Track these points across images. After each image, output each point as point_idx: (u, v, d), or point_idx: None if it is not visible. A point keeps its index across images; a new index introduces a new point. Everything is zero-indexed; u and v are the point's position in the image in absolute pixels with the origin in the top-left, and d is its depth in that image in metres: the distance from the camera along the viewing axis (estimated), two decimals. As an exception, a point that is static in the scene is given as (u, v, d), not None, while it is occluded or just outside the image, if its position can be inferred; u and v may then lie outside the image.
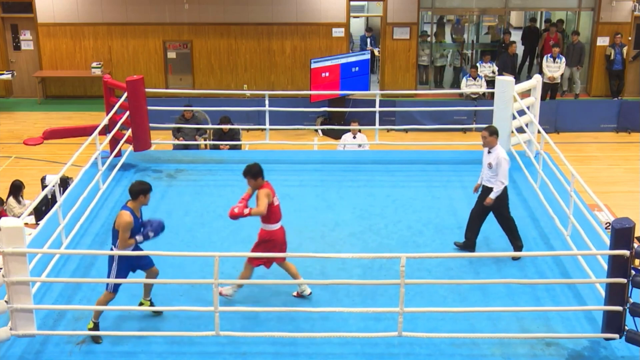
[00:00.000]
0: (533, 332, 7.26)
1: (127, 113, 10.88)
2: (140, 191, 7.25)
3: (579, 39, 20.10)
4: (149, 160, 11.37)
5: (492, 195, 8.54)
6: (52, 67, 20.64)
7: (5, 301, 6.84)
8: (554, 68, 18.92)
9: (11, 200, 11.81)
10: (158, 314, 7.53)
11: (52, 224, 8.49)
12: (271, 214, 7.63)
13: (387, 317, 7.20)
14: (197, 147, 14.02)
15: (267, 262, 7.72)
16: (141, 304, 7.55)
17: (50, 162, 15.47)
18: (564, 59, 18.99)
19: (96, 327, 7.21)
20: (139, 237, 7.20)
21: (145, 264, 7.41)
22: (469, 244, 8.84)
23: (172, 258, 8.33)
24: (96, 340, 7.18)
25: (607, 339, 7.06)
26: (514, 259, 8.57)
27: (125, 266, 7.23)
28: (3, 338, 6.92)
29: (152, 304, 7.57)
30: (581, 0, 20.54)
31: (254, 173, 7.68)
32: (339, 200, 10.18)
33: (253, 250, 7.72)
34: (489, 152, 8.61)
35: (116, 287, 7.24)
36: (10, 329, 6.92)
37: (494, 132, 8.61)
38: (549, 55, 19.07)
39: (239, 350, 7.04)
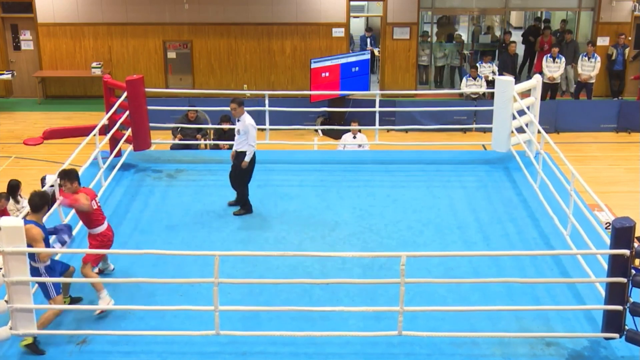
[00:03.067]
0: (533, 331, 7.26)
1: (127, 113, 10.87)
2: (45, 203, 7.27)
3: (572, 38, 20.14)
4: (149, 160, 11.37)
5: (247, 159, 9.50)
6: (52, 67, 20.64)
7: (6, 301, 6.84)
8: (554, 68, 18.92)
9: (10, 201, 11.76)
10: (78, 300, 7.71)
11: (52, 223, 8.47)
12: (94, 218, 7.81)
13: (387, 317, 7.19)
14: (197, 147, 14.01)
15: (97, 260, 7.89)
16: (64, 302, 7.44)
17: (50, 162, 15.47)
18: (563, 59, 18.99)
19: (35, 342, 7.04)
20: (57, 246, 7.30)
21: (62, 267, 7.49)
22: (243, 205, 9.77)
23: (172, 257, 8.33)
24: (38, 351, 7.05)
25: (607, 339, 7.06)
26: (236, 214, 9.69)
27: (56, 274, 7.25)
28: (3, 338, 6.92)
29: (72, 300, 7.66)
30: (581, 0, 20.54)
31: (72, 177, 7.74)
32: (339, 201, 10.18)
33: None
34: (238, 120, 9.56)
35: (57, 290, 7.18)
36: (10, 329, 6.92)
37: (241, 103, 9.58)
38: (548, 55, 19.07)
39: (239, 350, 7.04)
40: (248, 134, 9.45)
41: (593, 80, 19.24)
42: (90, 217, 7.81)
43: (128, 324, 7.35)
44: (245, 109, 15.12)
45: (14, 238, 6.66)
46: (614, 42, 19.98)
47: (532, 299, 7.76)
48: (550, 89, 18.93)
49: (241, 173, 9.66)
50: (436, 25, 22.21)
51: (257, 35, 20.24)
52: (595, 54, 19.13)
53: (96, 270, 8.03)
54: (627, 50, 19.54)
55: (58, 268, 7.36)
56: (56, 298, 7.17)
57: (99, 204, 7.94)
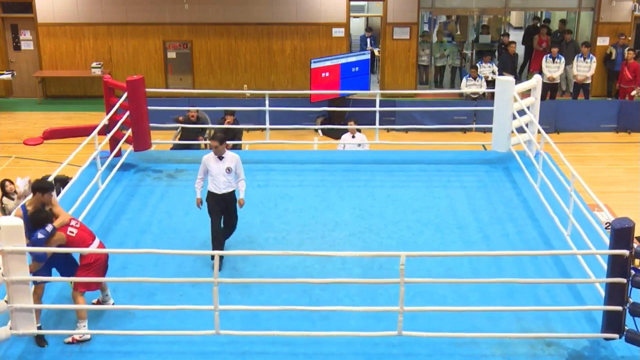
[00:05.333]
0: (533, 332, 7.26)
1: (127, 113, 10.87)
2: (41, 189, 7.19)
3: (572, 38, 20.15)
4: (149, 160, 11.37)
5: (243, 195, 8.49)
6: (52, 67, 20.65)
7: (5, 301, 6.84)
8: (554, 68, 18.92)
9: (5, 199, 11.80)
10: None
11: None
12: (77, 242, 7.19)
13: (387, 316, 7.18)
14: (197, 147, 14.01)
15: (89, 286, 7.20)
16: None
17: (50, 162, 15.47)
18: (563, 59, 18.99)
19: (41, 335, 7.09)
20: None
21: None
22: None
23: (172, 257, 8.34)
24: (41, 343, 7.08)
25: (607, 339, 7.06)
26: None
27: (48, 261, 7.13)
28: (3, 338, 6.91)
29: None
30: (581, 0, 20.55)
31: (43, 190, 7.23)
32: (339, 201, 10.18)
33: (79, 274, 7.17)
34: (220, 158, 8.40)
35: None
36: (10, 329, 6.92)
37: (224, 139, 8.44)
38: (548, 55, 19.07)
39: (239, 350, 7.04)
40: (239, 168, 8.48)
41: (589, 81, 19.25)
42: (73, 244, 7.16)
43: (128, 323, 7.35)
44: (246, 109, 15.29)
45: (13, 237, 6.66)
46: (615, 42, 19.97)
47: (532, 299, 7.76)
48: (550, 89, 18.93)
49: (235, 212, 8.65)
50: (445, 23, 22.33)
51: (257, 35, 20.24)
52: (591, 54, 19.14)
53: (94, 300, 7.61)
54: (626, 51, 19.51)
55: (54, 260, 7.21)
56: (35, 288, 7.09)
57: (78, 225, 7.32)
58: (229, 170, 8.40)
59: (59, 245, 7.11)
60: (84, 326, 7.14)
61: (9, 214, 11.33)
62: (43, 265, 7.10)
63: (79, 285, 7.13)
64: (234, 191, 8.53)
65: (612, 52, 19.84)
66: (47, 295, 7.75)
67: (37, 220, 7.02)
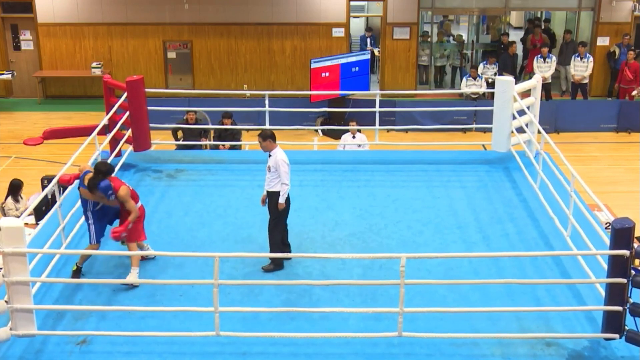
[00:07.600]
0: (533, 332, 7.26)
1: (127, 113, 10.87)
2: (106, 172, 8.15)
3: (571, 37, 20.16)
4: (149, 160, 11.36)
5: (281, 200, 8.31)
6: (52, 67, 20.66)
7: (6, 301, 6.84)
8: (545, 68, 18.91)
9: (9, 200, 11.79)
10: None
11: (52, 224, 8.49)
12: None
13: (387, 317, 7.19)
14: (198, 147, 14.01)
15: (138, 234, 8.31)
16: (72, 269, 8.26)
17: (50, 162, 15.48)
18: (554, 58, 18.99)
19: (79, 270, 8.11)
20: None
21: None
22: (272, 258, 8.40)
23: (172, 258, 8.35)
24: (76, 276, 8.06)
25: (607, 339, 7.06)
26: (265, 269, 8.37)
27: (105, 221, 8.27)
28: (3, 338, 6.92)
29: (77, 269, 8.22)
30: (581, 0, 20.55)
31: (105, 172, 8.11)
32: (339, 201, 10.18)
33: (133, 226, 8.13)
34: (269, 156, 8.36)
35: (98, 238, 8.19)
36: (11, 329, 6.92)
37: (267, 136, 8.32)
38: (538, 55, 19.08)
39: (239, 350, 7.04)
40: (280, 170, 8.24)
41: (587, 81, 19.25)
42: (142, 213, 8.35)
43: (128, 324, 7.35)
44: (246, 109, 15.30)
45: (14, 238, 6.66)
46: (617, 41, 19.96)
47: (532, 299, 7.76)
48: (543, 89, 18.87)
49: (273, 217, 8.44)
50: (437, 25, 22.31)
51: (257, 35, 20.25)
52: (588, 54, 19.14)
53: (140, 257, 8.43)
54: (630, 51, 19.45)
55: (110, 216, 8.27)
56: (91, 246, 8.14)
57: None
58: (269, 168, 8.36)
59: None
60: (137, 272, 7.94)
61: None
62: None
63: (133, 236, 8.15)
64: (274, 192, 8.35)
65: (615, 51, 19.81)
66: (49, 295, 7.77)
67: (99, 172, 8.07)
